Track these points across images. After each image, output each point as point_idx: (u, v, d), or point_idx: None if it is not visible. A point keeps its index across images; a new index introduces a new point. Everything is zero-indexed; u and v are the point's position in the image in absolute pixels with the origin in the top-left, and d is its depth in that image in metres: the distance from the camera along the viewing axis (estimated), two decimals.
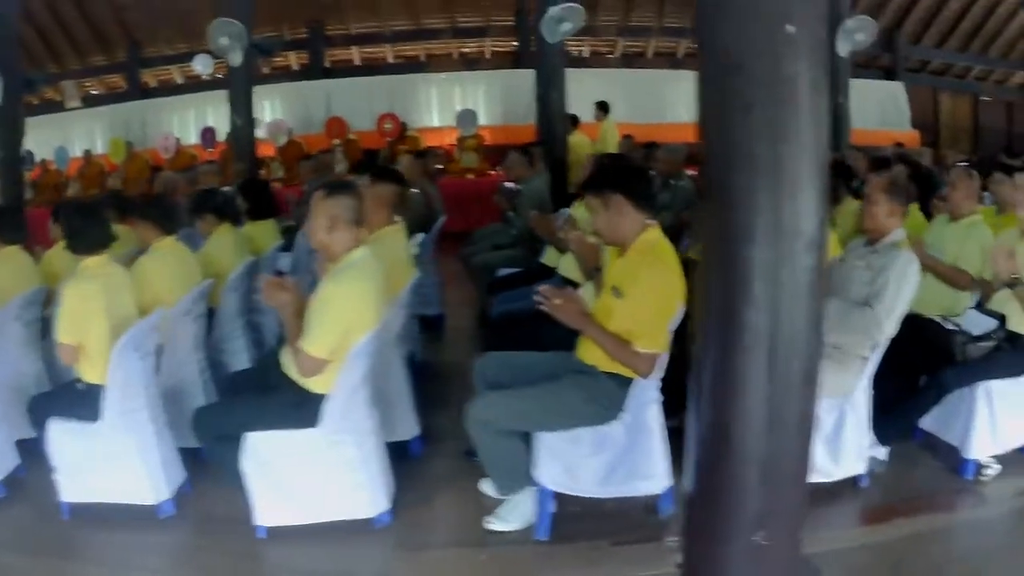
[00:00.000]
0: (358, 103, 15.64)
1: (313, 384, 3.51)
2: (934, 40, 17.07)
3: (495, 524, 3.67)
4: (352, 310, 3.46)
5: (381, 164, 8.97)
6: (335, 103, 15.77)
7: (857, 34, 10.20)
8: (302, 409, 3.52)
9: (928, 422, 4.46)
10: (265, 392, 3.74)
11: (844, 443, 3.93)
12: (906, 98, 16.00)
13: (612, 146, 11.44)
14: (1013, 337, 4.29)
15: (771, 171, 2.29)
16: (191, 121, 16.47)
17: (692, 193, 7.25)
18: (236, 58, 9.91)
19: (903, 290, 3.88)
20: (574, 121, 11.83)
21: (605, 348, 3.50)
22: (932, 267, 4.76)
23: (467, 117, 14.36)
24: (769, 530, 2.48)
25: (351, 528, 3.68)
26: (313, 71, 16.96)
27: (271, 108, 15.93)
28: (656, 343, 3.47)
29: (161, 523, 3.88)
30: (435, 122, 15.85)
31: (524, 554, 3.53)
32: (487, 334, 5.38)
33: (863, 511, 4.01)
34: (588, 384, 3.55)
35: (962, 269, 4.79)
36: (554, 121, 10.17)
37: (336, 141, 14.27)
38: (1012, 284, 4.20)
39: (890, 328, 3.86)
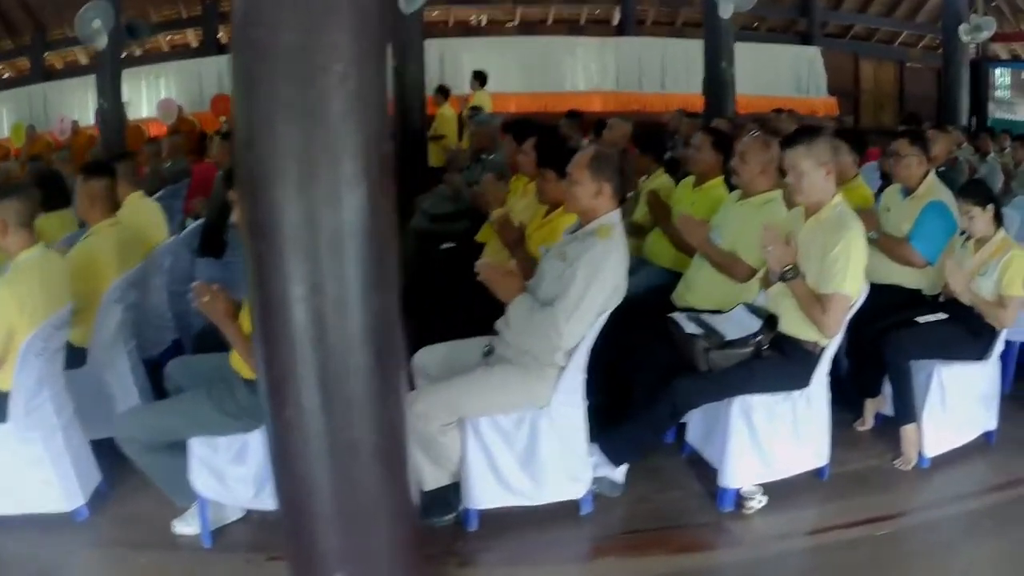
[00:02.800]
0: None
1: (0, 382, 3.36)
2: (857, 4, 16.28)
3: (179, 527, 3.43)
4: (9, 312, 3.31)
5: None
6: (227, 80, 14.88)
7: None
8: None
9: (693, 435, 3.88)
10: None
11: (544, 461, 3.34)
12: (823, 64, 15.19)
13: None
14: (784, 342, 3.54)
15: (295, 154, 2.07)
16: (89, 102, 15.64)
17: None
18: (101, 41, 9.80)
19: (592, 287, 3.20)
20: (445, 93, 11.31)
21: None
22: (706, 254, 4.05)
23: None
24: (352, 568, 2.33)
25: (50, 521, 3.47)
26: (208, 48, 16.53)
27: (165, 86, 15.64)
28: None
29: None
30: None
31: (181, 560, 3.33)
32: None
33: (577, 543, 3.40)
34: (221, 393, 3.24)
35: (739, 257, 3.97)
36: (410, 95, 9.97)
37: (223, 118, 13.72)
38: (785, 276, 3.47)
39: (574, 333, 3.22)
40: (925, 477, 3.90)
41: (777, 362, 3.49)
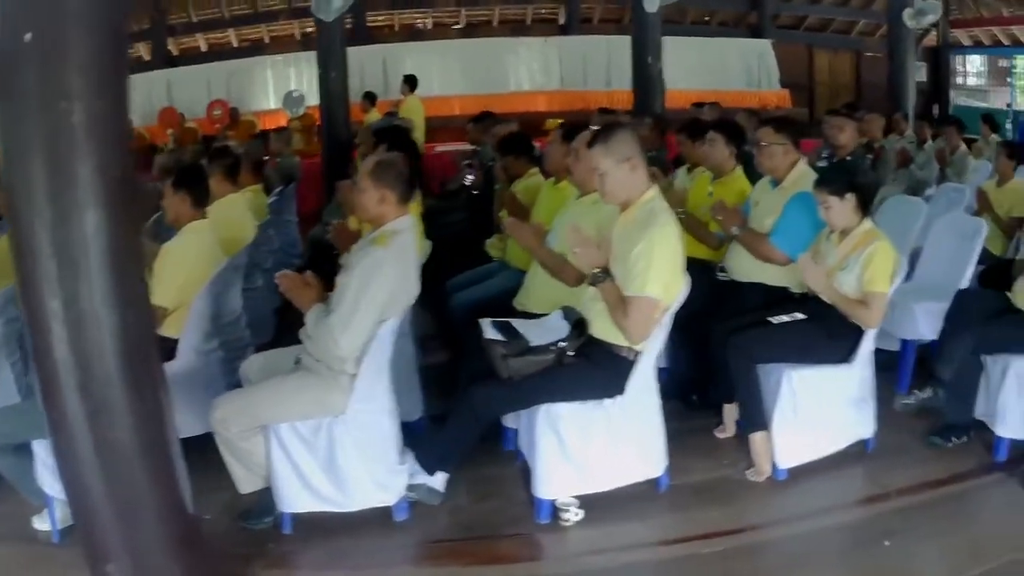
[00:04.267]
0: (197, 91, 15.25)
1: None
2: None
3: (37, 523, 3.42)
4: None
5: None
6: (176, 92, 15.35)
7: None
8: None
9: (521, 442, 3.68)
10: None
11: (345, 469, 3.26)
12: (774, 56, 14.87)
13: (418, 124, 10.59)
14: (595, 348, 3.31)
15: (39, 182, 2.27)
16: None
17: None
18: None
19: (364, 297, 3.13)
20: (372, 99, 11.24)
21: None
22: (538, 258, 3.87)
23: (293, 99, 13.63)
24: (122, 561, 2.46)
25: None
26: (156, 61, 16.37)
27: None
28: None
29: None
30: (271, 104, 15.25)
31: (30, 553, 3.36)
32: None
33: (388, 550, 3.31)
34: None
35: (567, 261, 3.70)
36: (334, 102, 9.86)
37: (169, 131, 13.84)
38: (595, 280, 3.24)
39: (351, 342, 3.14)
40: (779, 490, 3.61)
41: (584, 369, 3.28)
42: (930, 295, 4.58)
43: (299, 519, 3.31)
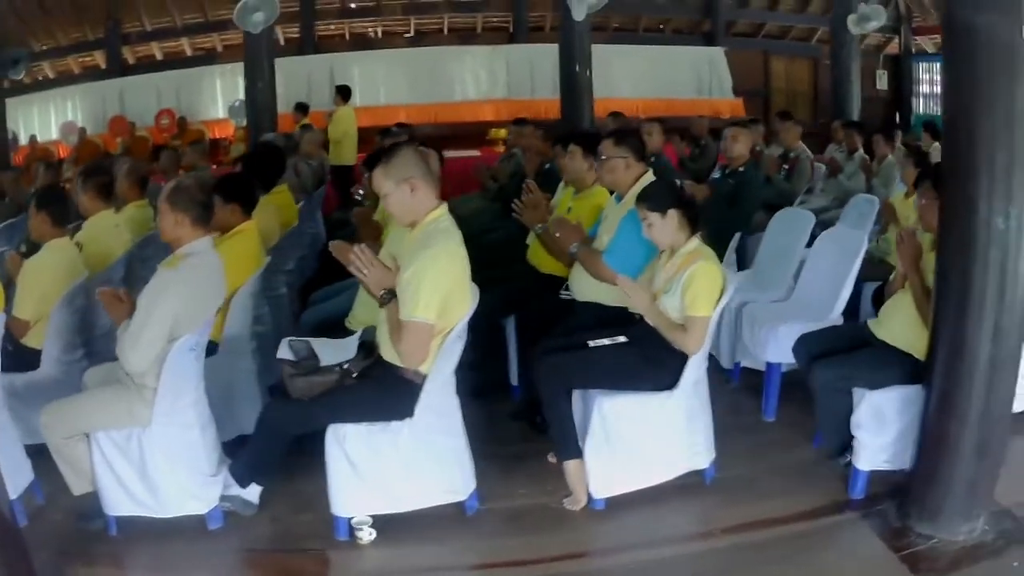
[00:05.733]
0: (148, 99, 15.24)
1: None
2: (765, 2, 15.80)
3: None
4: None
5: None
6: (128, 100, 15.38)
7: None
8: None
9: None
10: None
11: (156, 477, 3.35)
12: (726, 64, 14.67)
13: (350, 135, 10.40)
14: (385, 370, 3.24)
15: None
16: None
17: None
18: None
19: (152, 316, 3.20)
20: (304, 110, 11.07)
21: None
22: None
23: (236, 108, 13.73)
24: None
25: None
26: (112, 69, 16.29)
27: (71, 109, 15.88)
28: None
29: None
30: (220, 113, 15.16)
31: None
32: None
33: (199, 556, 3.34)
34: None
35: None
36: (261, 113, 10.06)
37: (119, 139, 14.32)
38: (382, 301, 3.19)
39: (136, 359, 3.20)
40: (595, 521, 3.43)
41: (371, 391, 3.24)
42: (804, 315, 4.39)
43: (125, 521, 3.38)
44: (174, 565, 3.29)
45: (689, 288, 3.34)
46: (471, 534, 3.38)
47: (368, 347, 3.30)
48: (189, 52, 16.48)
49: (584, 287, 3.94)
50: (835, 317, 4.33)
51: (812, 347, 3.76)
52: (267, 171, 5.38)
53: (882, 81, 16.71)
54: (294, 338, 3.40)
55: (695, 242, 3.49)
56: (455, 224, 3.27)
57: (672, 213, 3.44)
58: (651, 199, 3.48)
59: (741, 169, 5.64)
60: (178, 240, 3.41)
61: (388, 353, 3.22)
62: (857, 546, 3.26)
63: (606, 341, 3.53)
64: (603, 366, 3.45)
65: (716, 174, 5.80)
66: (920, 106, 16.78)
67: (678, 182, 5.86)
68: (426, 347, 3.12)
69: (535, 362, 3.59)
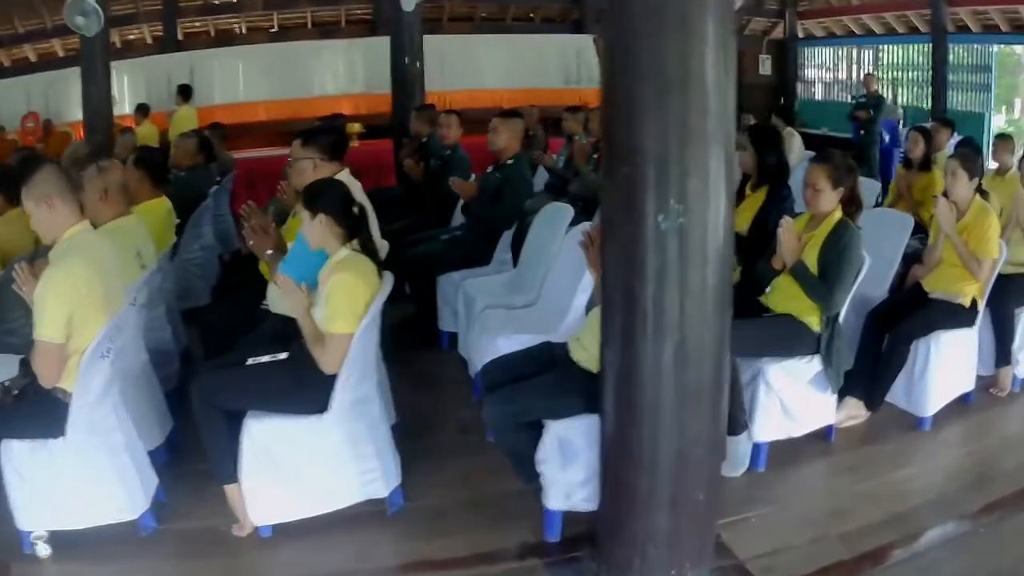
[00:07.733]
0: (17, 102, 14.40)
1: None
2: None
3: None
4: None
5: None
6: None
7: None
8: None
9: None
10: None
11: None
12: (595, 53, 14.38)
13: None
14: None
15: None
16: None
17: None
18: None
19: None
20: (144, 111, 10.87)
21: None
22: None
23: None
24: None
25: None
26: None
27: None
28: None
29: None
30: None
31: None
32: None
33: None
34: None
35: None
36: (96, 116, 9.51)
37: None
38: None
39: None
40: (257, 548, 3.25)
41: (24, 407, 3.14)
42: (540, 325, 4.22)
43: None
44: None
45: (328, 302, 3.12)
46: (142, 554, 3.22)
47: (28, 365, 3.13)
48: (61, 53, 15.54)
49: (275, 297, 3.73)
50: (565, 329, 3.98)
51: (495, 376, 3.44)
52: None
53: (765, 66, 16.61)
54: None
55: (344, 252, 3.26)
56: (102, 239, 3.25)
57: (321, 217, 3.21)
58: (306, 196, 3.28)
59: (510, 162, 5.38)
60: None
61: None
62: None
63: (265, 358, 3.30)
64: (253, 386, 3.24)
65: (491, 169, 5.50)
66: (804, 91, 16.73)
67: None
68: (57, 366, 3.02)
69: (194, 379, 3.34)
